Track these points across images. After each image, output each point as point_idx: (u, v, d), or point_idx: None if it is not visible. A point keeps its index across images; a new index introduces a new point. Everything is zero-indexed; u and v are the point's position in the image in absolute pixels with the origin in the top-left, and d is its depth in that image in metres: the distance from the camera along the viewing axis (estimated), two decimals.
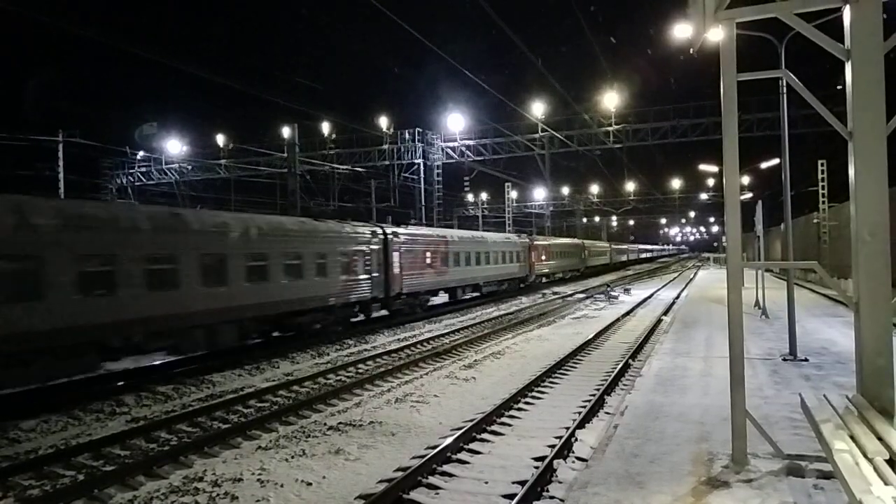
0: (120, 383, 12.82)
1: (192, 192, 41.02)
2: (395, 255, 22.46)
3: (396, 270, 22.51)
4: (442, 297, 29.21)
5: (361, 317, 21.08)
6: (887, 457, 4.48)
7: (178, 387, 12.81)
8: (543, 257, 42.64)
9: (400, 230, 23.68)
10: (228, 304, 14.74)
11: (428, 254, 25.33)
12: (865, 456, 4.55)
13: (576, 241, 57.03)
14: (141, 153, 38.86)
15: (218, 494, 7.12)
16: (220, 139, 40.27)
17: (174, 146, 40.13)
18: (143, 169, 41.61)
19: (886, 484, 4.07)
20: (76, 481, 7.68)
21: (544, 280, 43.86)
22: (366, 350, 17.27)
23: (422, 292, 25.22)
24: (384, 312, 22.75)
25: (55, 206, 11.94)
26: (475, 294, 31.40)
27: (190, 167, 41.69)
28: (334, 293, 18.81)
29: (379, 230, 21.96)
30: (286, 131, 33.38)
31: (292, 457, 8.33)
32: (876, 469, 4.34)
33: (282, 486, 7.33)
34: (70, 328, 11.17)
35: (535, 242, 41.30)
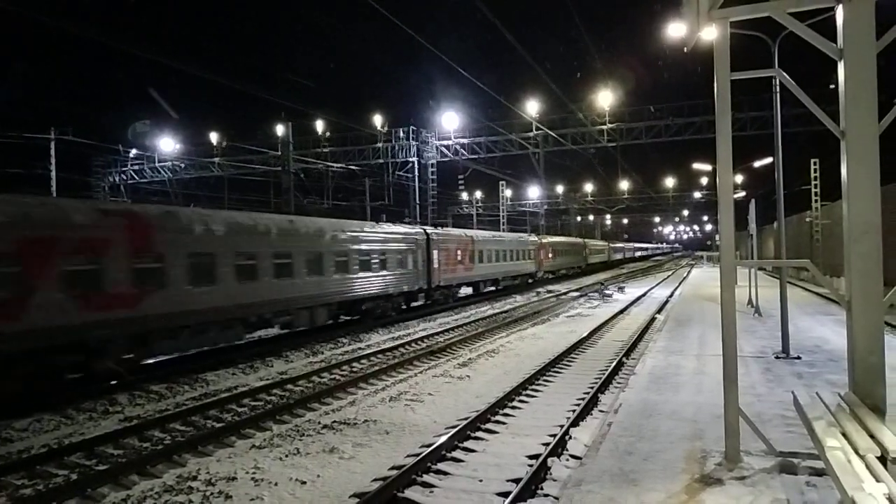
0: (113, 382, 12.76)
1: (185, 190, 40.89)
2: (435, 253, 26.01)
3: (436, 266, 26.07)
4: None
5: (412, 303, 25.13)
6: (879, 454, 4.51)
7: (171, 386, 12.77)
8: (551, 255, 45.68)
9: (439, 231, 27.53)
10: (323, 291, 18.50)
11: (459, 252, 28.90)
12: (857, 453, 4.58)
13: (578, 240, 59.63)
14: (134, 151, 38.64)
15: (212, 493, 7.11)
16: (214, 137, 40.12)
17: (167, 144, 39.93)
18: (136, 167, 41.38)
19: (878, 481, 4.10)
20: (69, 481, 7.65)
21: (550, 276, 46.48)
22: (360, 349, 17.26)
23: (454, 285, 28.96)
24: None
25: (223, 216, 15.82)
26: (492, 288, 34.62)
27: (183, 165, 41.48)
28: (391, 284, 22.48)
29: (423, 231, 25.63)
30: (280, 129, 33.31)
31: (286, 455, 8.32)
32: (868, 466, 4.37)
33: (276, 484, 7.32)
34: (229, 307, 15.03)
35: (544, 241, 44.35)
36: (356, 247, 20.32)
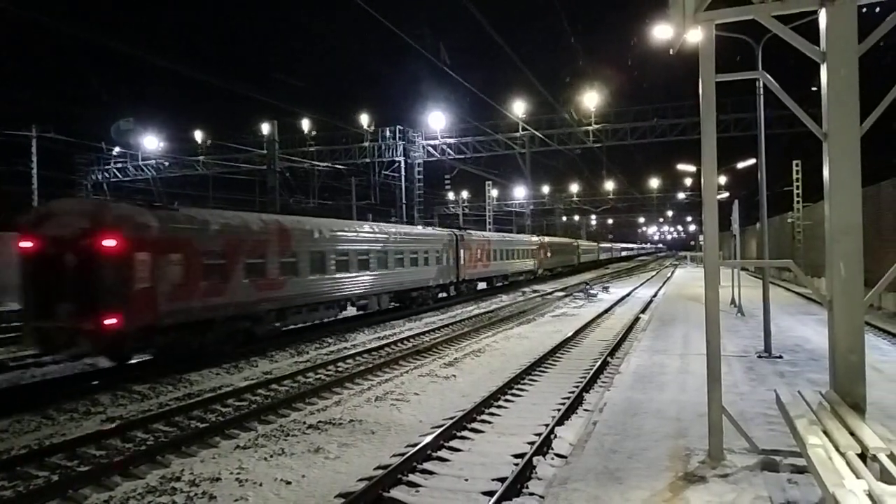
0: (94, 382, 12.61)
1: (169, 188, 40.49)
2: (461, 252, 30.61)
3: (462, 263, 30.82)
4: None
5: (444, 294, 29.70)
6: (859, 451, 4.58)
7: (154, 386, 12.64)
8: (549, 254, 49.98)
9: (464, 233, 32.00)
10: (388, 282, 23.10)
11: (479, 251, 33.45)
12: (838, 450, 4.64)
13: (571, 240, 63.71)
14: (117, 149, 38.17)
15: (196, 494, 7.05)
16: (199, 135, 39.77)
17: (151, 142, 39.51)
18: (119, 165, 40.91)
19: (858, 477, 4.16)
20: (50, 482, 7.55)
21: (549, 273, 50.48)
22: (345, 348, 17.21)
23: (475, 279, 33.41)
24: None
25: (328, 224, 20.17)
26: (502, 283, 38.50)
27: (167, 163, 41.10)
28: (431, 278, 27.21)
29: (453, 234, 30.32)
30: (266, 128, 33.10)
31: (271, 455, 8.27)
32: (848, 463, 4.43)
33: (261, 485, 7.28)
34: (332, 292, 19.60)
35: (544, 241, 49.02)
36: (409, 247, 24.97)
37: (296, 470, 7.72)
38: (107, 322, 11.99)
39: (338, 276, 19.76)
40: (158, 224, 13.40)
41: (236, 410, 10.76)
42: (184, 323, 13.81)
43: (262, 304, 16.37)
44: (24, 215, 13.65)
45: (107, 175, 40.85)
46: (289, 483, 7.31)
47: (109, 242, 12.20)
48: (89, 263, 12.17)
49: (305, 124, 37.05)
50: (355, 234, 21.40)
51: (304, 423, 9.83)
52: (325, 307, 19.38)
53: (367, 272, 21.53)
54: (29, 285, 12.76)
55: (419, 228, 29.34)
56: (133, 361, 14.51)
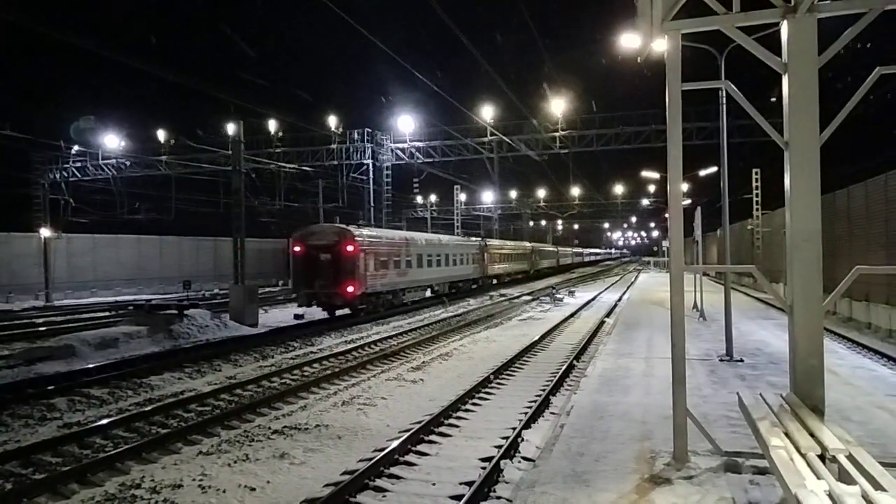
0: (50, 387, 12.22)
1: (130, 188, 39.51)
2: (485, 254, 41.84)
3: (486, 263, 41.90)
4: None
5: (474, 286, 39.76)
6: (819, 452, 4.70)
7: (113, 391, 12.32)
8: (538, 257, 60.27)
9: (488, 241, 44.39)
10: (447, 275, 33.71)
11: (497, 254, 45.74)
12: (799, 452, 4.76)
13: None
14: (76, 148, 37.07)
15: (157, 501, 6.88)
16: (161, 135, 38.90)
17: (112, 141, 38.50)
18: (79, 164, 39.73)
19: (819, 478, 4.26)
20: (3, 490, 7.28)
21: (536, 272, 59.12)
22: (312, 352, 17.02)
23: (492, 275, 44.45)
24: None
25: (422, 236, 31.92)
26: (507, 279, 49.38)
27: (128, 163, 40.07)
28: (468, 273, 37.93)
29: (481, 240, 42.74)
30: (231, 128, 32.56)
31: (235, 461, 8.12)
32: (809, 464, 4.54)
33: (224, 491, 7.13)
34: (424, 280, 30.39)
35: (533, 247, 58.96)
36: (458, 251, 35.90)
37: (260, 476, 7.59)
38: (349, 289, 22.73)
39: (427, 269, 30.54)
40: (365, 239, 24.14)
41: (199, 416, 10.54)
42: (371, 293, 24.46)
43: (399, 285, 27.23)
44: (295, 232, 24.14)
45: (65, 174, 39.58)
46: (253, 489, 7.18)
47: (349, 248, 22.96)
48: (338, 259, 22.82)
49: (272, 125, 36.57)
50: (434, 242, 32.73)
51: (269, 428, 9.67)
52: (421, 290, 30.34)
53: (438, 268, 32.12)
54: (299, 270, 23.42)
55: (465, 238, 42.48)
56: (90, 365, 14.15)
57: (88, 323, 23.56)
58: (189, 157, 37.65)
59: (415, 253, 28.89)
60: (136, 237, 44.10)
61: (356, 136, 35.49)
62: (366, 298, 24.03)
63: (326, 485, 7.18)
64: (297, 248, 23.45)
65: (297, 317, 24.15)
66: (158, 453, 8.55)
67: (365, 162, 35.25)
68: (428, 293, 31.74)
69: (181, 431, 9.37)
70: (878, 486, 4.05)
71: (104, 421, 9.96)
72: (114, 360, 14.87)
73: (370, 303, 24.59)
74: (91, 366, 14.15)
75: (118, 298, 36.34)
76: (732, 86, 6.84)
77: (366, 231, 25.13)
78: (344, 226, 24.73)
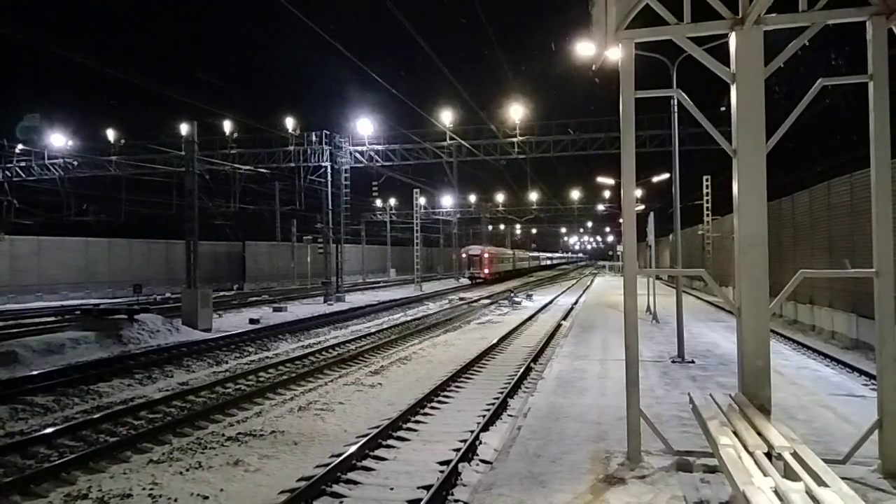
0: None
1: (78, 189, 38.20)
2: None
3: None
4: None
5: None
6: (766, 450, 4.85)
7: (59, 398, 11.89)
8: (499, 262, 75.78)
9: (518, 252, 77.74)
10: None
11: (512, 260, 73.48)
12: (747, 450, 4.90)
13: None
14: (20, 146, 35.65)
15: None
16: (111, 134, 37.73)
17: (58, 140, 37.17)
18: (23, 164, 38.22)
19: (766, 475, 4.41)
20: None
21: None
22: (268, 357, 16.76)
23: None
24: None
25: (511, 252, 78.92)
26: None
27: (76, 163, 38.73)
28: (517, 268, 74.74)
29: (511, 250, 76.68)
30: (184, 128, 31.83)
31: (187, 469, 7.92)
32: (756, 462, 4.69)
33: (175, 500, 6.95)
34: (518, 269, 77.15)
35: (521, 253, 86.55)
36: (507, 257, 69.45)
37: (213, 484, 7.43)
38: (486, 273, 57.95)
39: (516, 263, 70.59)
40: (492, 250, 61.84)
41: (150, 423, 10.24)
42: (496, 272, 60.25)
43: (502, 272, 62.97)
44: (464, 247, 62.54)
45: (8, 174, 37.99)
46: (206, 498, 7.02)
47: (486, 255, 58.56)
48: (481, 259, 58.09)
49: (227, 126, 35.88)
50: (511, 255, 69.82)
51: (223, 435, 9.48)
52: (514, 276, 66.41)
53: (510, 265, 67.02)
54: (467, 265, 59.31)
55: (513, 250, 77.55)
56: (34, 372, 13.63)
57: (33, 328, 22.64)
58: (140, 158, 36.67)
59: (504, 258, 64.36)
60: (84, 240, 42.58)
61: (314, 138, 35.07)
62: (490, 277, 57.41)
63: (282, 491, 7.07)
64: (464, 255, 59.95)
65: (252, 321, 23.75)
66: (106, 462, 8.28)
67: (323, 164, 34.86)
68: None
69: (131, 439, 9.10)
70: (821, 482, 4.21)
71: (49, 430, 9.62)
72: (60, 367, 14.34)
73: (494, 280, 57.55)
74: (35, 373, 13.63)
75: (65, 303, 35.03)
76: (684, 95, 7.02)
77: (488, 247, 59.98)
78: (482, 245, 60.02)
